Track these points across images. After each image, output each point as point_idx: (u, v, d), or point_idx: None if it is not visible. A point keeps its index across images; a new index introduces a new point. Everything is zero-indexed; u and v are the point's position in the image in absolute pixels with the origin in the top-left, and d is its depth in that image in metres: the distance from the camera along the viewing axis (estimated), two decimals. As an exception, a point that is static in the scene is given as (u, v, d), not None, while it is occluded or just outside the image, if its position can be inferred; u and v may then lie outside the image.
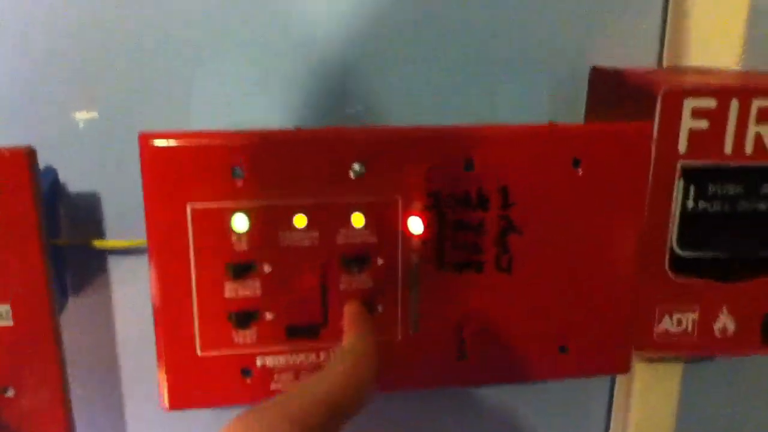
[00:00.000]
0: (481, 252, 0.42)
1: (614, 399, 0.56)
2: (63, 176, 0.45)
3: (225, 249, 0.39)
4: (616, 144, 0.42)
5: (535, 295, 0.43)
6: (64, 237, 0.46)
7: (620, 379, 0.55)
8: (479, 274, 0.42)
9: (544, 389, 0.54)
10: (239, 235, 0.39)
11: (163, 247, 0.38)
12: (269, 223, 0.39)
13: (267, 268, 0.40)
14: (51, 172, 0.45)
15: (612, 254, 0.43)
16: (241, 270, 0.39)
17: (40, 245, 0.38)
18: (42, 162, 0.42)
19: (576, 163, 0.42)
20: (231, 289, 0.39)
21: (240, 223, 0.39)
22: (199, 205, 0.38)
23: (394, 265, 0.41)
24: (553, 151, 0.41)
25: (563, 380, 0.50)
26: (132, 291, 0.47)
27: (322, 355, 0.42)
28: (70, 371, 0.45)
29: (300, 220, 0.39)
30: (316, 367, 0.42)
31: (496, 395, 0.54)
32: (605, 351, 0.44)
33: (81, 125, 0.45)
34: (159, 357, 0.40)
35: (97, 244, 0.46)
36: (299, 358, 0.41)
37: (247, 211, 0.39)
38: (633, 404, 0.54)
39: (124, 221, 0.46)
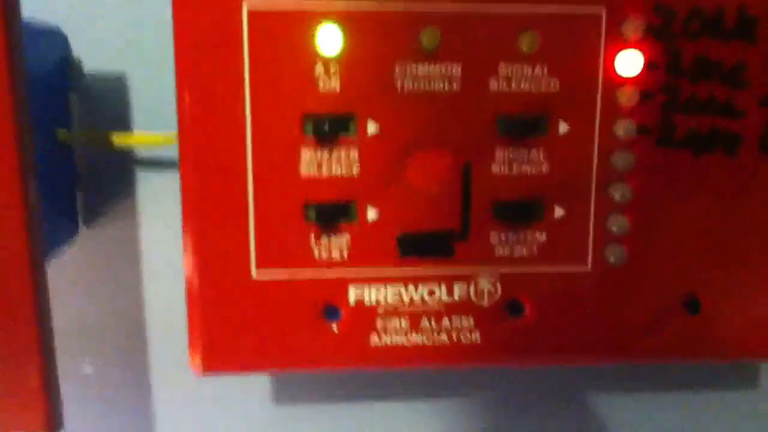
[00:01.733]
0: (737, 117, 0.24)
1: None
2: (78, 50, 0.30)
3: (303, 87, 0.22)
4: None
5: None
6: (75, 132, 0.30)
7: None
8: (731, 159, 0.24)
9: None
10: (327, 62, 0.22)
11: (200, 78, 0.22)
12: (378, 46, 0.23)
13: (373, 128, 0.23)
14: (59, 38, 0.29)
15: None
16: (330, 127, 0.23)
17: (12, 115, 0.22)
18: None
19: None
20: (311, 161, 0.23)
21: (329, 40, 0.22)
22: (263, 5, 0.22)
23: (587, 135, 0.24)
24: None
25: None
26: (167, 215, 0.31)
27: (457, 289, 0.24)
28: (78, 330, 0.30)
29: (430, 42, 0.22)
30: (448, 311, 0.24)
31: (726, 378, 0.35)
32: None
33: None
34: (188, 284, 0.23)
35: (117, 140, 0.30)
36: (421, 292, 0.24)
37: (342, 21, 0.22)
38: None
39: (159, 117, 0.30)
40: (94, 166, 0.31)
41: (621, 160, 0.24)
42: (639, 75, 0.23)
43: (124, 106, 0.31)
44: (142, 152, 0.31)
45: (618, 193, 0.24)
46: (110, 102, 0.31)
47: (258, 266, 0.23)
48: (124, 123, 0.31)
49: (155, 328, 0.32)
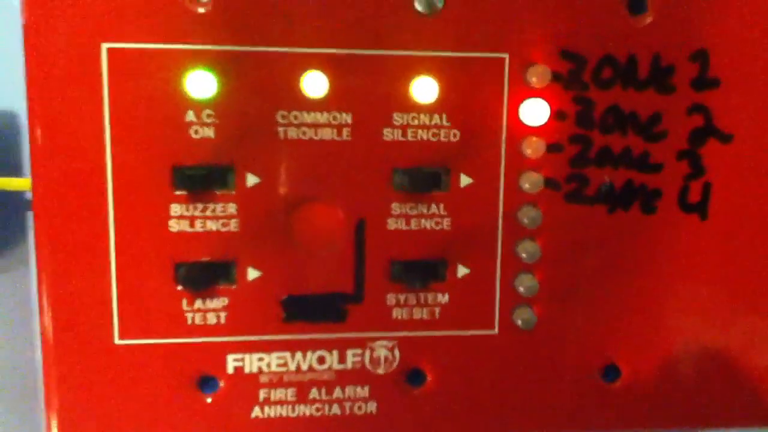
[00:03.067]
0: (653, 171, 0.22)
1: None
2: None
3: (172, 134, 0.20)
4: None
5: (753, 265, 0.23)
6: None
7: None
8: (648, 217, 0.22)
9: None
10: (200, 107, 0.20)
11: (56, 125, 0.20)
12: (258, 91, 0.20)
13: (253, 180, 0.21)
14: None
15: None
16: (203, 180, 0.20)
17: None
18: None
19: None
20: (182, 217, 0.21)
21: (201, 84, 0.20)
22: (125, 48, 0.20)
23: (491, 189, 0.22)
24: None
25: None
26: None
27: (351, 356, 0.22)
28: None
29: (315, 88, 0.20)
30: (340, 380, 0.22)
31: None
32: None
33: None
34: (44, 349, 0.21)
35: (3, 184, 0.27)
36: (309, 360, 0.22)
37: (216, 64, 0.20)
38: None
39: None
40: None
41: (528, 216, 0.22)
42: (546, 125, 0.21)
43: (15, 148, 0.29)
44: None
45: (526, 251, 0.22)
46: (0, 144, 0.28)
47: (121, 332, 0.21)
48: (15, 166, 0.29)
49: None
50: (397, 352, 0.22)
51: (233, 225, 0.21)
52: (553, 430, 0.24)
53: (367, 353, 0.22)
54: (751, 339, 0.24)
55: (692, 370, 0.23)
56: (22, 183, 0.26)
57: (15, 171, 0.28)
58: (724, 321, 0.23)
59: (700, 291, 0.23)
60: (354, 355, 0.22)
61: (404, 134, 0.21)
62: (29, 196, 0.28)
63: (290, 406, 0.22)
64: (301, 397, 0.22)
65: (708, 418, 0.24)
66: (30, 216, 0.29)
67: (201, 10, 0.20)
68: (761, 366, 0.24)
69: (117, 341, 0.21)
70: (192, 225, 0.21)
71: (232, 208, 0.21)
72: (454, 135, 0.21)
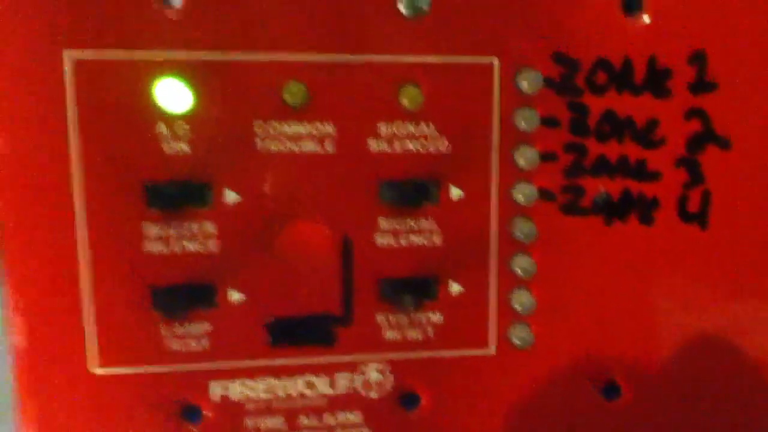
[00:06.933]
0: (651, 179, 0.21)
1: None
2: None
3: (143, 151, 0.19)
4: None
5: (756, 277, 0.22)
6: None
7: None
8: (647, 228, 0.21)
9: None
10: (173, 122, 0.19)
11: (19, 142, 0.19)
12: (234, 101, 0.19)
13: (231, 198, 0.20)
14: None
15: None
16: (178, 197, 0.19)
17: None
18: None
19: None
20: (157, 238, 0.19)
21: (174, 95, 0.19)
22: (90, 57, 0.18)
23: (483, 201, 0.21)
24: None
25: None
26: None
27: (341, 380, 0.21)
28: None
29: (295, 98, 0.19)
30: (331, 406, 0.21)
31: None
32: None
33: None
34: (18, 380, 0.20)
35: None
36: (298, 386, 0.21)
37: (188, 72, 0.19)
38: None
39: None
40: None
41: (522, 229, 0.21)
42: (539, 133, 0.20)
43: None
44: None
45: (520, 266, 0.21)
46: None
47: (99, 361, 0.20)
48: None
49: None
50: (390, 375, 0.21)
51: (212, 245, 0.20)
52: (554, 452, 0.23)
53: (359, 377, 0.21)
54: (754, 351, 0.23)
55: (694, 383, 0.22)
56: None
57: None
58: (726, 334, 0.22)
59: (701, 304, 0.22)
60: (345, 380, 0.21)
61: (391, 145, 0.20)
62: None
63: (277, 434, 0.21)
64: (291, 425, 0.21)
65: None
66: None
67: (172, 15, 0.19)
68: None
69: (94, 371, 0.20)
70: (168, 245, 0.19)
71: (210, 226, 0.20)
72: (443, 145, 0.20)
